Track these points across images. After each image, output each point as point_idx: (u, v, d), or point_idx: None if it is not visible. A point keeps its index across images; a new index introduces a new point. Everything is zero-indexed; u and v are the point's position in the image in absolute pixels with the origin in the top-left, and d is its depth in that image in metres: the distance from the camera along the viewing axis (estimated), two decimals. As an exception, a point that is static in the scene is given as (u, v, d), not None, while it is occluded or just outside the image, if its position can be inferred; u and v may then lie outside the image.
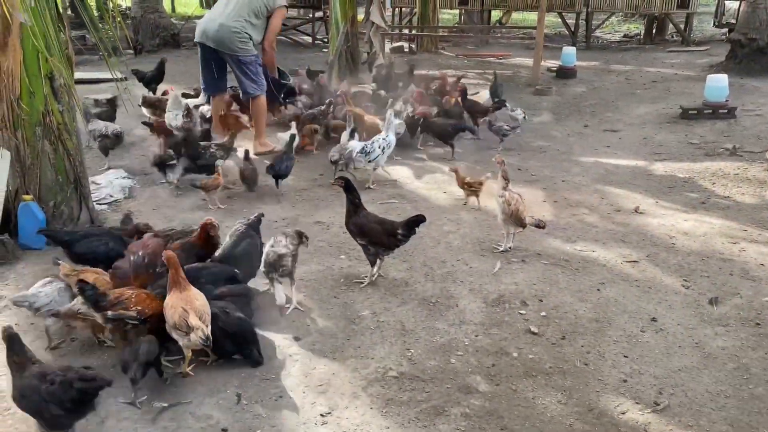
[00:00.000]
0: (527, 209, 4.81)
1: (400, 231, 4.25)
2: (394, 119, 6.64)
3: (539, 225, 4.76)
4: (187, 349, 3.28)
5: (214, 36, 6.97)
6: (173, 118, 7.06)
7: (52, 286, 3.55)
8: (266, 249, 4.01)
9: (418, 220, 4.30)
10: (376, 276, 4.38)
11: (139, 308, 3.29)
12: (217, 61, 7.25)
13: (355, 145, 6.31)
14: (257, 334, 3.52)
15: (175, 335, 3.23)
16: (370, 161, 6.26)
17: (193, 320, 3.17)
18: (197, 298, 3.30)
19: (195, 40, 7.33)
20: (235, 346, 3.42)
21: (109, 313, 3.23)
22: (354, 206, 4.31)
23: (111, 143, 6.70)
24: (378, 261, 4.36)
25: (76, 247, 4.09)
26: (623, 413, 3.11)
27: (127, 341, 3.26)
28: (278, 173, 6.00)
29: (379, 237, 4.23)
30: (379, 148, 6.24)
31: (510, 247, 4.86)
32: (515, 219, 4.71)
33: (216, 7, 7.29)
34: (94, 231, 4.58)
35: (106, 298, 3.26)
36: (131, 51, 15.35)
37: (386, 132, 6.43)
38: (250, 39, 7.03)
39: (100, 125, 6.68)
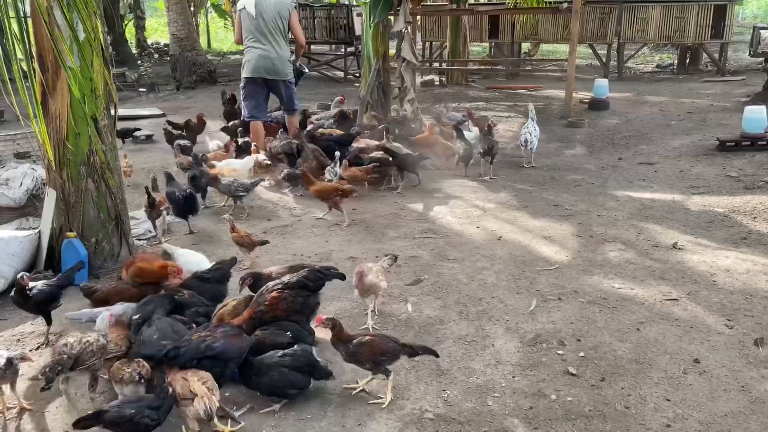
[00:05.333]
0: (373, 270, 4.28)
1: None
2: (534, 109, 8.47)
3: (391, 260, 4.52)
4: (191, 420, 3.11)
5: (271, 69, 8.27)
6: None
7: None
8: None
9: None
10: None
11: None
12: (263, 91, 8.53)
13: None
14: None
15: (182, 407, 3.12)
16: (531, 149, 8.27)
17: (196, 387, 3.08)
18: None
19: (250, 76, 8.33)
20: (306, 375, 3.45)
21: None
22: None
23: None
24: None
25: None
26: (668, 461, 3.02)
27: None
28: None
29: None
30: (535, 137, 8.23)
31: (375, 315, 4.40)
32: (373, 289, 4.26)
33: (256, 41, 8.22)
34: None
35: None
36: (169, 87, 15.91)
37: (532, 122, 8.22)
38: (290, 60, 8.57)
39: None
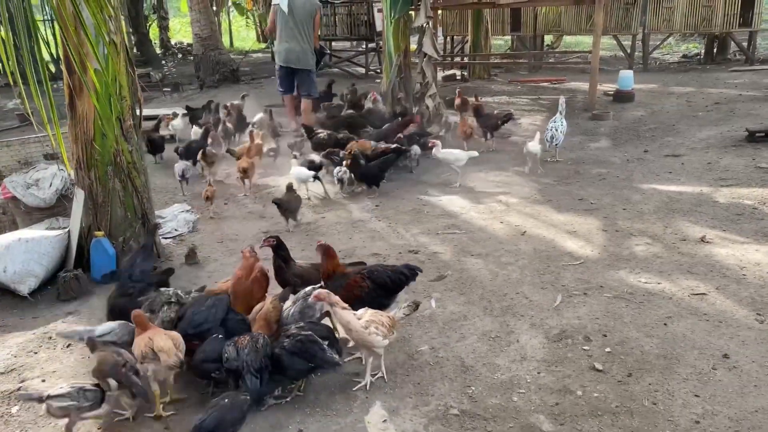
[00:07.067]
0: (375, 319, 3.55)
1: None
2: (564, 103, 8.26)
3: (411, 308, 3.86)
4: (155, 382, 3.31)
5: (296, 59, 9.82)
6: None
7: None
8: None
9: None
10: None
11: None
12: (291, 75, 10.11)
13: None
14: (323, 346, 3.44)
15: (146, 367, 3.28)
16: (557, 145, 8.15)
17: (160, 342, 3.27)
18: (164, 331, 3.44)
19: (280, 64, 10.05)
20: (307, 362, 3.40)
21: None
22: None
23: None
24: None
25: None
26: (697, 457, 2.98)
27: None
28: None
29: None
30: (561, 133, 8.08)
31: (371, 380, 3.64)
32: (368, 344, 3.55)
33: (285, 35, 9.71)
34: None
35: None
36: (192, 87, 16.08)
37: (560, 116, 8.09)
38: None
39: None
